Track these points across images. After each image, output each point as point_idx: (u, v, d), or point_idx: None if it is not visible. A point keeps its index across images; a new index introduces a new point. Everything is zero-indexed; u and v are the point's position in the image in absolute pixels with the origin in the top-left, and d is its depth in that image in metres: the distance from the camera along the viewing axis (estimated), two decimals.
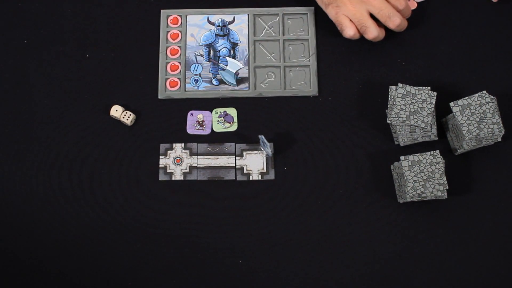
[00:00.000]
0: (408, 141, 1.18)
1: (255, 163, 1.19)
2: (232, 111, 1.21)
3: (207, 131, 1.20)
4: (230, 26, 1.26)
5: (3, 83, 1.23)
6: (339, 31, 1.22)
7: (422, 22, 1.26)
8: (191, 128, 1.20)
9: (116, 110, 1.20)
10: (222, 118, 1.20)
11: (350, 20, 1.21)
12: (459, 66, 1.23)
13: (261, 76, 1.24)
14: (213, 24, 1.26)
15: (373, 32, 1.21)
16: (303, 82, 1.23)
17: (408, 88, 1.14)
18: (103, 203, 1.17)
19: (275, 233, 1.15)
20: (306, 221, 1.16)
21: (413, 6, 1.27)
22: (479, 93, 1.13)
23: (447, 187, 1.11)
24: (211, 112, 1.21)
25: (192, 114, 1.21)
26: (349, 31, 1.21)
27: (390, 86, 1.15)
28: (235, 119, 1.20)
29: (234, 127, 1.20)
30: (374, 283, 1.13)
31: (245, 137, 1.20)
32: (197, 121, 1.20)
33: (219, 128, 1.20)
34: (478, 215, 1.16)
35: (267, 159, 1.19)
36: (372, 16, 1.22)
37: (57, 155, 1.19)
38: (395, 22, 1.21)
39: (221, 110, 1.21)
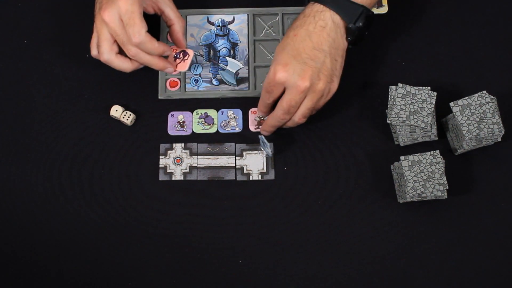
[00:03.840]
0: (408, 141, 1.18)
1: (255, 163, 1.19)
2: (213, 113, 1.21)
3: (188, 132, 1.20)
4: (230, 26, 1.26)
5: (3, 83, 1.23)
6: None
7: (422, 22, 1.26)
8: (172, 129, 1.20)
9: (116, 110, 1.20)
10: (202, 119, 1.20)
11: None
12: (459, 66, 1.23)
13: (261, 76, 1.24)
14: (213, 24, 1.26)
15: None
16: None
17: (408, 88, 1.14)
18: (103, 203, 1.17)
19: (275, 233, 1.15)
20: (306, 221, 1.16)
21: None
22: (479, 93, 1.13)
23: (447, 187, 1.11)
24: (192, 113, 1.21)
25: (172, 115, 1.21)
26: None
27: (390, 86, 1.15)
28: (216, 121, 1.20)
29: (214, 129, 1.20)
30: (374, 283, 1.13)
31: (245, 137, 1.20)
32: (177, 122, 1.20)
33: (198, 129, 1.20)
34: (478, 215, 1.16)
35: (267, 159, 1.19)
36: None
37: (57, 155, 1.19)
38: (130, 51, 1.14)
39: (202, 111, 1.21)
